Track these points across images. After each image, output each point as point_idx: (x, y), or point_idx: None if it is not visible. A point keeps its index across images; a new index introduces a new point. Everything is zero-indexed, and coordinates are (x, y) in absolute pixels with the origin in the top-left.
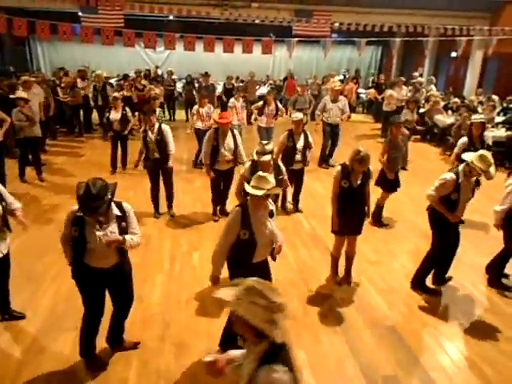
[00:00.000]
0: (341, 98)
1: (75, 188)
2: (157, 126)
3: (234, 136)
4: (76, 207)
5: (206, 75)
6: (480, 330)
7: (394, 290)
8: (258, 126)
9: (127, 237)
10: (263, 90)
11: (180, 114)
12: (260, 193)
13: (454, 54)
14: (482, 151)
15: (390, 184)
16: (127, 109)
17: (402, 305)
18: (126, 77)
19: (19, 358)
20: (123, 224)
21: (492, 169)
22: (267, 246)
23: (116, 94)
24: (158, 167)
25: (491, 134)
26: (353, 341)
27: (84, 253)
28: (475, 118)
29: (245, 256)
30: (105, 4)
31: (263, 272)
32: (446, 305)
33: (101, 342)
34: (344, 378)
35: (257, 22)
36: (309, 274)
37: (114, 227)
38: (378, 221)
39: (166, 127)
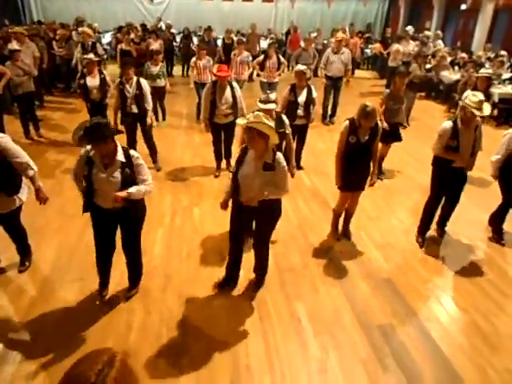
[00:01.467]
0: (344, 50)
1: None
2: (135, 79)
3: (232, 89)
4: (89, 147)
5: (209, 29)
6: (475, 283)
7: (392, 244)
8: (260, 81)
9: (132, 189)
10: (264, 44)
11: (179, 70)
12: (242, 122)
13: (463, 7)
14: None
15: (386, 135)
16: (105, 72)
17: (398, 259)
18: (120, 29)
19: (26, 304)
20: (127, 170)
21: (485, 105)
22: (250, 190)
23: (91, 56)
24: (135, 122)
25: (498, 91)
26: (349, 292)
27: (92, 192)
28: (481, 72)
29: (234, 193)
30: None
31: (257, 218)
32: (443, 258)
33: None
34: (340, 326)
35: None
36: (309, 228)
37: (117, 173)
38: (378, 173)
39: (144, 81)
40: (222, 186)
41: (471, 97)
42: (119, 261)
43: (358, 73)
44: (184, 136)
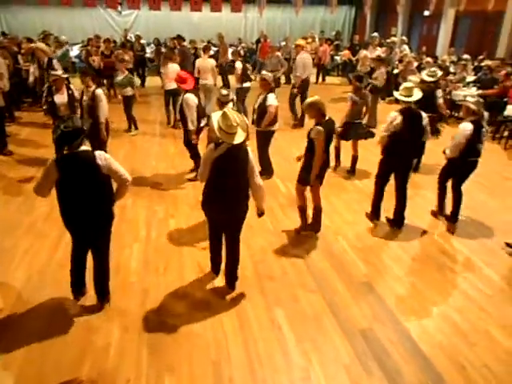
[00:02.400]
0: (304, 53)
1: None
2: (92, 89)
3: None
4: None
5: (179, 38)
6: (451, 281)
7: (369, 247)
8: (237, 88)
9: None
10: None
11: (152, 81)
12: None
13: (426, 13)
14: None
15: (345, 132)
16: (72, 87)
17: (376, 261)
18: (88, 42)
19: None
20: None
21: (415, 91)
22: None
23: (59, 73)
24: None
25: (463, 93)
26: (330, 297)
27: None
28: (425, 78)
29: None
30: None
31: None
32: (418, 258)
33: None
34: (322, 332)
35: None
36: (286, 235)
37: None
38: (352, 172)
39: (100, 93)
40: (198, 196)
41: (402, 88)
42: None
43: (328, 79)
44: (158, 146)
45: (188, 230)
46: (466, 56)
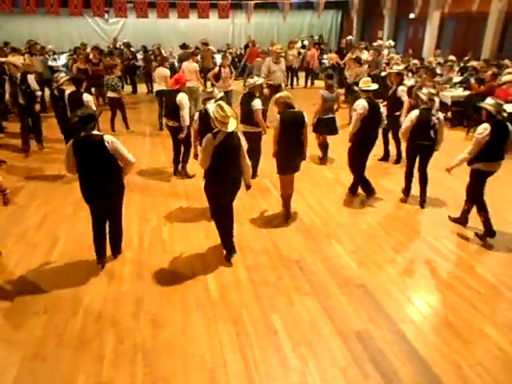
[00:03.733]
0: (282, 60)
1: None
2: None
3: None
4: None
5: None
6: (444, 281)
7: (362, 249)
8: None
9: None
10: (219, 58)
11: (143, 87)
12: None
13: (412, 16)
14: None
15: (316, 127)
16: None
17: (370, 263)
18: (75, 50)
19: None
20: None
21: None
22: None
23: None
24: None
25: (450, 94)
26: (325, 300)
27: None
28: (394, 68)
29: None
30: None
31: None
32: (411, 260)
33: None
34: (318, 336)
35: None
36: (279, 239)
37: None
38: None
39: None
40: (190, 203)
41: (363, 81)
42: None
43: (317, 83)
44: (148, 154)
45: (181, 238)
46: (451, 57)
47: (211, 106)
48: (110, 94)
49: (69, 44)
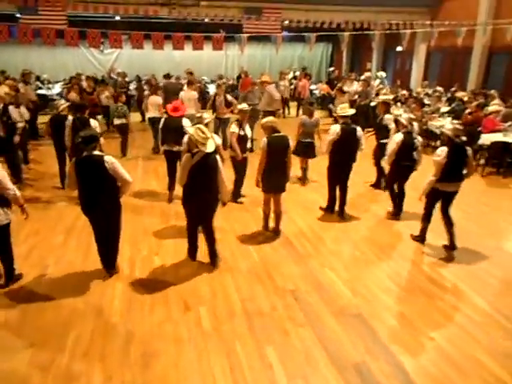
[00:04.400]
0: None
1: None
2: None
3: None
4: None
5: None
6: (441, 310)
7: (357, 277)
8: (216, 117)
9: None
10: (212, 88)
11: (135, 116)
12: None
13: (399, 49)
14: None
15: (296, 149)
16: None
17: (365, 291)
18: (71, 79)
19: None
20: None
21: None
22: None
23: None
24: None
25: (438, 124)
26: (320, 331)
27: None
28: (380, 98)
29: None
30: (45, 4)
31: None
32: (408, 288)
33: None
34: (314, 368)
35: (206, 20)
36: (273, 268)
37: None
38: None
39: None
40: (182, 231)
41: (340, 107)
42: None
43: (316, 115)
44: (140, 183)
45: (173, 267)
46: (439, 88)
47: (191, 130)
48: (117, 122)
49: (64, 73)
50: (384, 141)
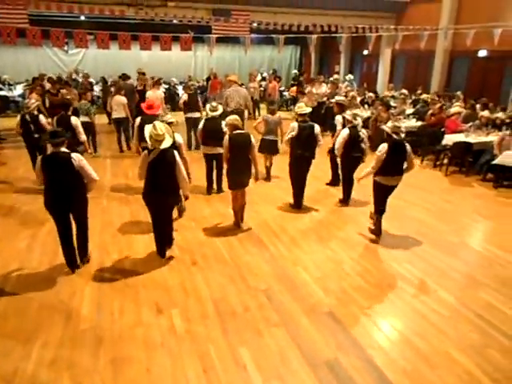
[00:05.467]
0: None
1: None
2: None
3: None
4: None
5: (126, 76)
6: (410, 306)
7: (329, 276)
8: (185, 117)
9: None
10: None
11: (101, 118)
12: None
13: (365, 52)
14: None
15: (259, 146)
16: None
17: (337, 290)
18: (34, 81)
19: None
20: None
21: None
22: None
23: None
24: None
25: (403, 125)
26: (294, 330)
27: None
28: (336, 98)
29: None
30: (5, 2)
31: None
32: (378, 285)
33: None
34: (288, 368)
35: (175, 21)
36: (246, 269)
37: None
38: (267, 177)
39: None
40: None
41: (297, 106)
42: None
43: (278, 114)
44: (109, 182)
45: (143, 268)
46: (404, 91)
47: (147, 127)
48: (82, 119)
49: (26, 74)
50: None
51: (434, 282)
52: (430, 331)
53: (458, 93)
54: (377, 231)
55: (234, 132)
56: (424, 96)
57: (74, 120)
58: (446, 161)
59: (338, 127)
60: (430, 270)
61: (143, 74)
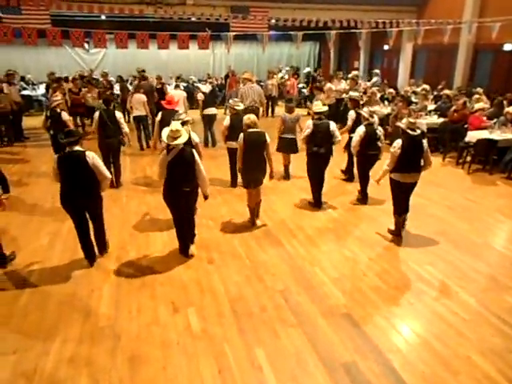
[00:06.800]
0: (253, 85)
1: None
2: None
3: None
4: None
5: (144, 75)
6: (429, 308)
7: (346, 276)
8: (202, 114)
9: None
10: (204, 88)
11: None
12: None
13: (386, 47)
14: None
15: (278, 145)
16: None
17: (354, 291)
18: (58, 80)
19: None
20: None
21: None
22: None
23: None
24: None
25: (425, 121)
26: (310, 332)
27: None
28: (350, 94)
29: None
30: (28, 4)
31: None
32: (396, 286)
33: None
34: (304, 370)
35: (193, 19)
36: (263, 269)
37: None
38: (287, 176)
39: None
40: (170, 234)
41: (315, 104)
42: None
43: (297, 110)
44: (128, 183)
45: (161, 266)
46: (425, 86)
47: (165, 130)
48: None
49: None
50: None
51: (455, 283)
52: (450, 334)
53: (478, 89)
54: (396, 232)
55: (249, 130)
56: (446, 91)
57: (118, 114)
58: (468, 158)
59: (349, 122)
60: (451, 271)
61: (143, 71)
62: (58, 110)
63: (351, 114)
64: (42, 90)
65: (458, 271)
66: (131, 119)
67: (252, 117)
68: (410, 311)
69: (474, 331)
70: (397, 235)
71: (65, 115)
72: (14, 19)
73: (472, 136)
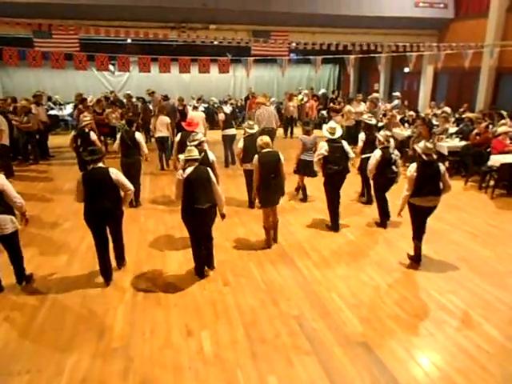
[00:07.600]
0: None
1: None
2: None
3: None
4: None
5: (166, 97)
6: (451, 339)
7: (364, 303)
8: (222, 135)
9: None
10: (225, 108)
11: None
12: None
13: (406, 70)
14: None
15: (296, 167)
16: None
17: (372, 319)
18: (82, 101)
19: None
20: None
21: (337, 130)
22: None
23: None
24: None
25: (446, 145)
26: (326, 360)
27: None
28: (363, 117)
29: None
30: (58, 28)
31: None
32: (417, 315)
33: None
34: None
35: (215, 43)
36: (278, 293)
37: None
38: (304, 198)
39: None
40: (186, 254)
41: (327, 127)
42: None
43: (316, 132)
44: (147, 203)
45: (176, 288)
46: (446, 109)
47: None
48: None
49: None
50: (364, 155)
51: (478, 313)
52: (472, 369)
53: (503, 112)
54: (416, 258)
55: (263, 151)
56: (469, 114)
57: (138, 135)
58: (492, 183)
59: (360, 144)
60: (474, 301)
61: (153, 93)
62: (87, 130)
63: (361, 136)
64: (68, 110)
65: (481, 300)
66: (153, 139)
67: (264, 138)
68: (430, 342)
69: (499, 366)
70: (416, 261)
71: (93, 135)
72: (45, 43)
73: (495, 160)
